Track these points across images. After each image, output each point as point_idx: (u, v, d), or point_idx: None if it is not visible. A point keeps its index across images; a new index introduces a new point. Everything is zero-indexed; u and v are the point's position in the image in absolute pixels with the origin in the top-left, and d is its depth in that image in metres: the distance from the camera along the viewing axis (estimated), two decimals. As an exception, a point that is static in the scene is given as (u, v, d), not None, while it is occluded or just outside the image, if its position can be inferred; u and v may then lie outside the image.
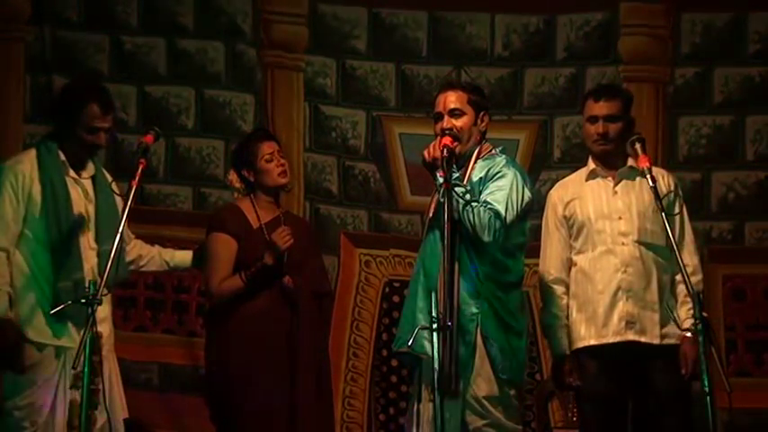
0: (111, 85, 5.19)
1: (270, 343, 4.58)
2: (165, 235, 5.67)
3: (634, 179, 4.39)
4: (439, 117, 4.31)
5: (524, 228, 4.32)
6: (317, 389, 4.64)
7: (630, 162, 4.44)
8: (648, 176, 4.02)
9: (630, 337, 4.33)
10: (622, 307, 4.34)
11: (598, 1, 5.71)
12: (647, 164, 4.11)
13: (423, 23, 5.78)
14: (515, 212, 4.15)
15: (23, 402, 4.30)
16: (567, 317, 4.43)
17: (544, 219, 4.58)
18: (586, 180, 4.50)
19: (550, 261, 4.50)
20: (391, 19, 5.80)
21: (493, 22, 5.75)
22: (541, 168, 5.66)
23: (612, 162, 4.44)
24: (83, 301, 3.81)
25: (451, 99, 4.30)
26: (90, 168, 4.48)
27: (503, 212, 4.10)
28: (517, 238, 4.26)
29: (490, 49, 5.73)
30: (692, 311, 4.16)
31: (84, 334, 3.77)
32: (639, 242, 4.30)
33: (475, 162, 4.25)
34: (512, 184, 4.17)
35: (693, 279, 4.31)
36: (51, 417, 4.30)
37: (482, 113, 4.30)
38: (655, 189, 3.98)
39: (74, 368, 3.81)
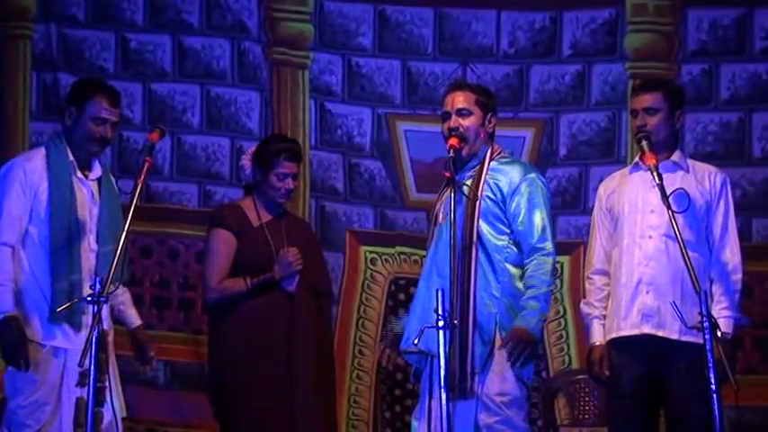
0: (116, 83, 5.18)
1: (269, 341, 4.64)
2: (171, 232, 5.76)
3: (676, 173, 4.38)
4: (446, 116, 4.34)
5: None
6: (318, 386, 4.68)
7: (675, 156, 4.45)
8: (654, 174, 4.03)
9: (647, 330, 4.31)
10: (641, 300, 4.33)
11: (604, -2, 5.75)
12: (653, 161, 4.12)
13: (428, 20, 5.78)
14: (551, 225, 4.24)
15: (26, 402, 4.31)
16: (607, 308, 4.45)
17: (592, 212, 4.64)
18: (630, 173, 4.51)
19: (593, 252, 4.54)
20: (397, 16, 5.80)
21: (499, 19, 5.75)
22: (547, 166, 5.67)
23: (656, 155, 4.37)
24: (88, 299, 3.82)
25: (459, 99, 4.33)
26: (97, 170, 4.50)
27: (549, 245, 4.19)
28: None
29: (496, 47, 5.73)
30: (724, 312, 4.25)
31: (90, 332, 3.77)
32: (668, 236, 4.26)
33: (489, 163, 4.28)
34: (543, 202, 4.24)
35: (733, 278, 4.35)
36: (56, 416, 4.30)
37: (489, 114, 4.33)
38: (661, 186, 3.98)
39: (80, 366, 3.80)
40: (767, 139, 5.62)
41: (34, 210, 4.35)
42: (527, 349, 4.12)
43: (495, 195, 4.24)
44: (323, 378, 4.76)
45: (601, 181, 4.83)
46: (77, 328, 4.30)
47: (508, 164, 4.31)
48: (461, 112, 4.30)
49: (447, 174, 4.05)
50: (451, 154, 4.10)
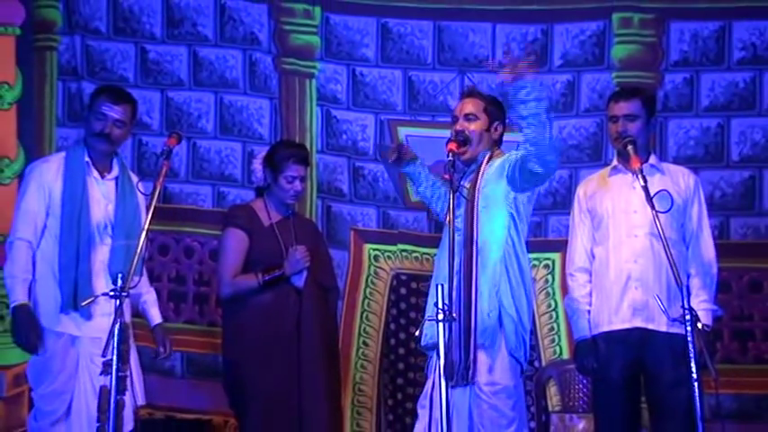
0: (136, 91, 5.12)
1: (279, 333, 4.76)
2: (187, 231, 5.86)
3: (653, 175, 4.47)
4: (455, 121, 4.47)
5: (533, 203, 4.49)
6: (324, 374, 4.79)
7: (652, 159, 4.56)
8: (639, 177, 4.14)
9: (637, 323, 4.43)
10: (631, 295, 4.44)
11: (592, 11, 5.78)
12: (638, 165, 4.23)
13: (428, 32, 5.85)
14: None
15: (45, 391, 4.46)
16: (591, 303, 4.55)
17: (571, 212, 4.72)
18: (609, 176, 4.62)
19: (574, 251, 4.63)
20: (398, 28, 5.87)
21: (494, 31, 5.83)
22: (539, 168, 5.77)
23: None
24: (111, 293, 3.91)
25: (468, 105, 4.46)
26: (115, 170, 4.65)
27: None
28: (531, 206, 4.43)
29: (491, 57, 5.79)
30: (702, 304, 4.36)
31: (113, 324, 3.89)
32: (652, 235, 4.34)
33: (487, 165, 4.39)
34: None
35: (710, 272, 4.49)
36: (75, 404, 4.45)
37: (496, 123, 4.45)
38: (645, 188, 4.09)
39: (103, 356, 3.93)
40: (744, 143, 5.72)
41: (51, 207, 4.52)
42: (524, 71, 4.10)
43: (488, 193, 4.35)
44: (329, 367, 4.85)
45: (587, 183, 4.88)
46: (86, 316, 4.45)
47: (499, 159, 4.41)
48: (468, 117, 4.43)
49: (446, 176, 4.09)
50: (450, 158, 4.13)
